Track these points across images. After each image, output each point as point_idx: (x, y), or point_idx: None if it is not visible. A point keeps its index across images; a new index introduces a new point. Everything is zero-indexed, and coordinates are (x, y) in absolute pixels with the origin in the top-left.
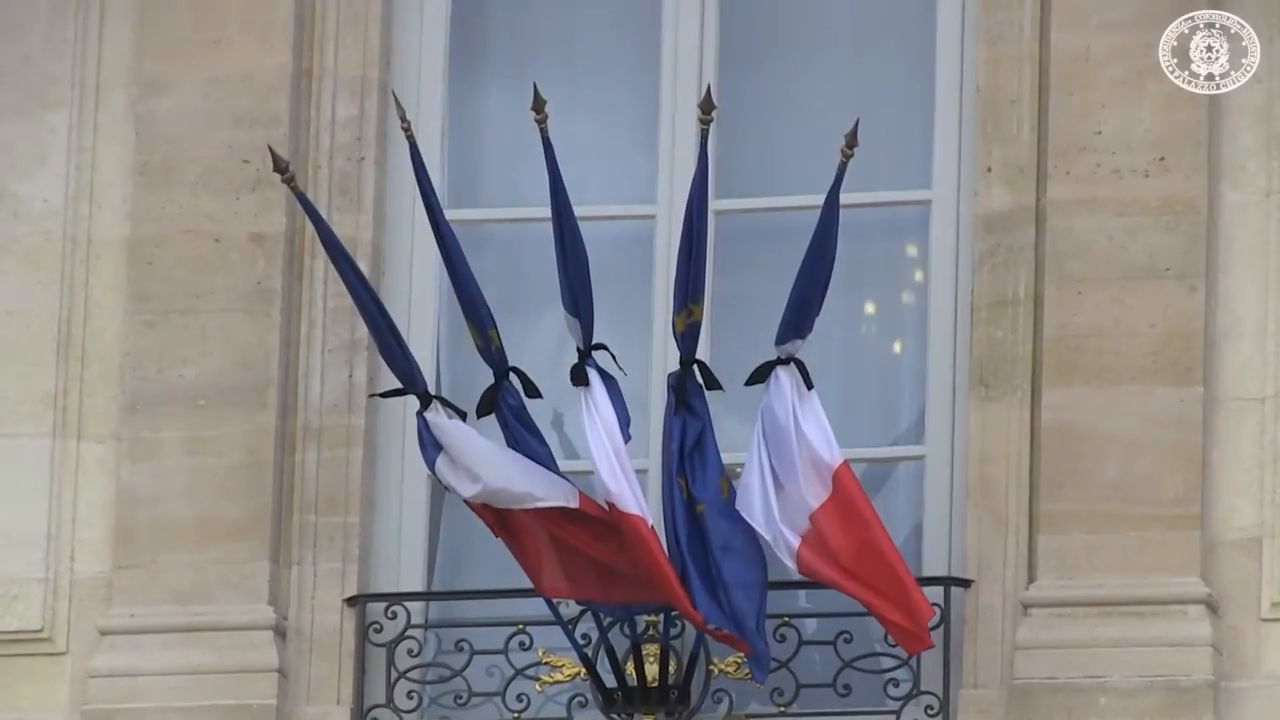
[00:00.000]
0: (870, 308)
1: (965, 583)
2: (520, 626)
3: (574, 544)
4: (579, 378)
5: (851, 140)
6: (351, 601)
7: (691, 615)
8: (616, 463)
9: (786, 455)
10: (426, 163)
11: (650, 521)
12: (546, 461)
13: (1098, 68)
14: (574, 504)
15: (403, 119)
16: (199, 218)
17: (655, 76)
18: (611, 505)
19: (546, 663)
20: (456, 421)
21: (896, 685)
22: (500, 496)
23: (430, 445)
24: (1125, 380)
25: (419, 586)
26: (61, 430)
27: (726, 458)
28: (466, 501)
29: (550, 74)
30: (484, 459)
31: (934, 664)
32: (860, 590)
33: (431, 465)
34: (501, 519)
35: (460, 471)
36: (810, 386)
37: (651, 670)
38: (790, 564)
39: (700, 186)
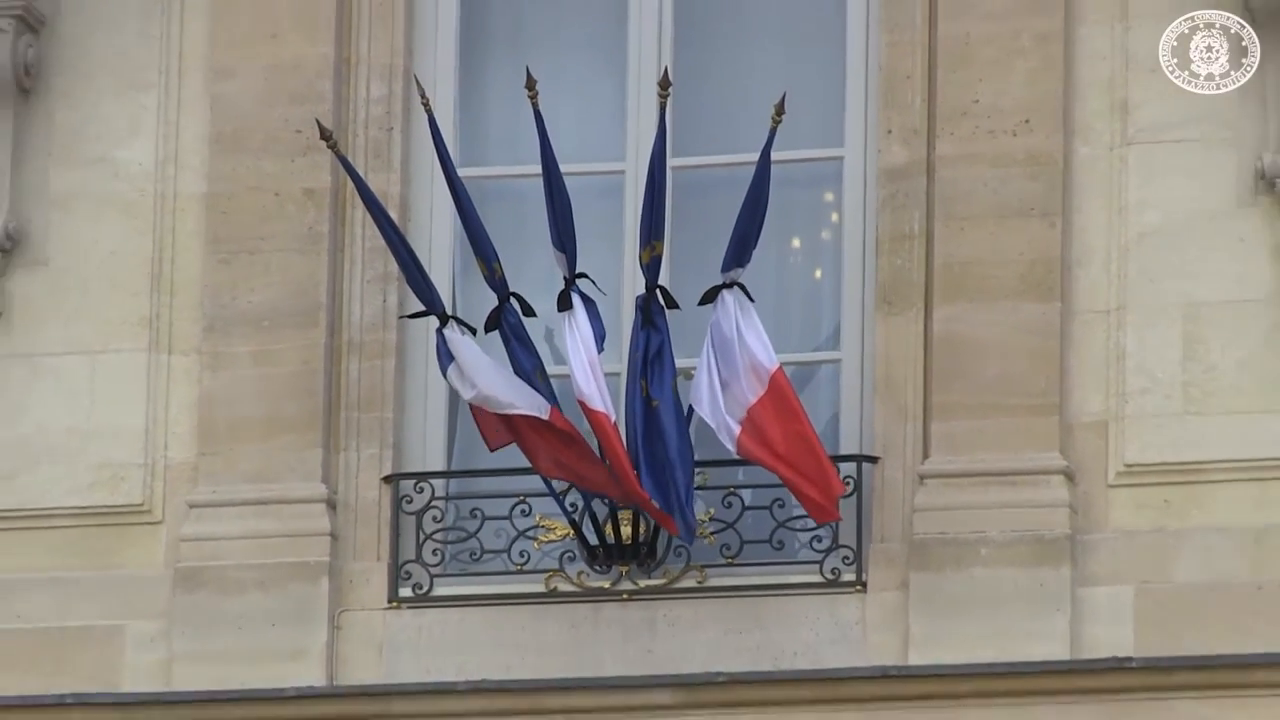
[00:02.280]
0: (796, 242)
1: (873, 459)
2: (521, 498)
3: (547, 447)
4: (564, 303)
5: (780, 109)
6: (388, 479)
7: (639, 494)
8: (590, 370)
9: (731, 360)
10: (442, 131)
11: (614, 419)
12: (533, 372)
13: (976, 50)
14: (545, 416)
15: (423, 96)
16: (262, 176)
17: (623, 60)
18: (582, 403)
19: (543, 526)
20: (466, 339)
21: (820, 541)
22: (490, 402)
23: (445, 356)
24: (999, 298)
25: (441, 467)
26: (155, 346)
27: (681, 362)
28: (470, 405)
29: (540, 59)
30: (480, 372)
31: (849, 524)
32: (785, 470)
33: (444, 372)
34: (505, 418)
35: (465, 379)
36: (751, 301)
37: (626, 531)
38: (730, 447)
39: (660, 147)
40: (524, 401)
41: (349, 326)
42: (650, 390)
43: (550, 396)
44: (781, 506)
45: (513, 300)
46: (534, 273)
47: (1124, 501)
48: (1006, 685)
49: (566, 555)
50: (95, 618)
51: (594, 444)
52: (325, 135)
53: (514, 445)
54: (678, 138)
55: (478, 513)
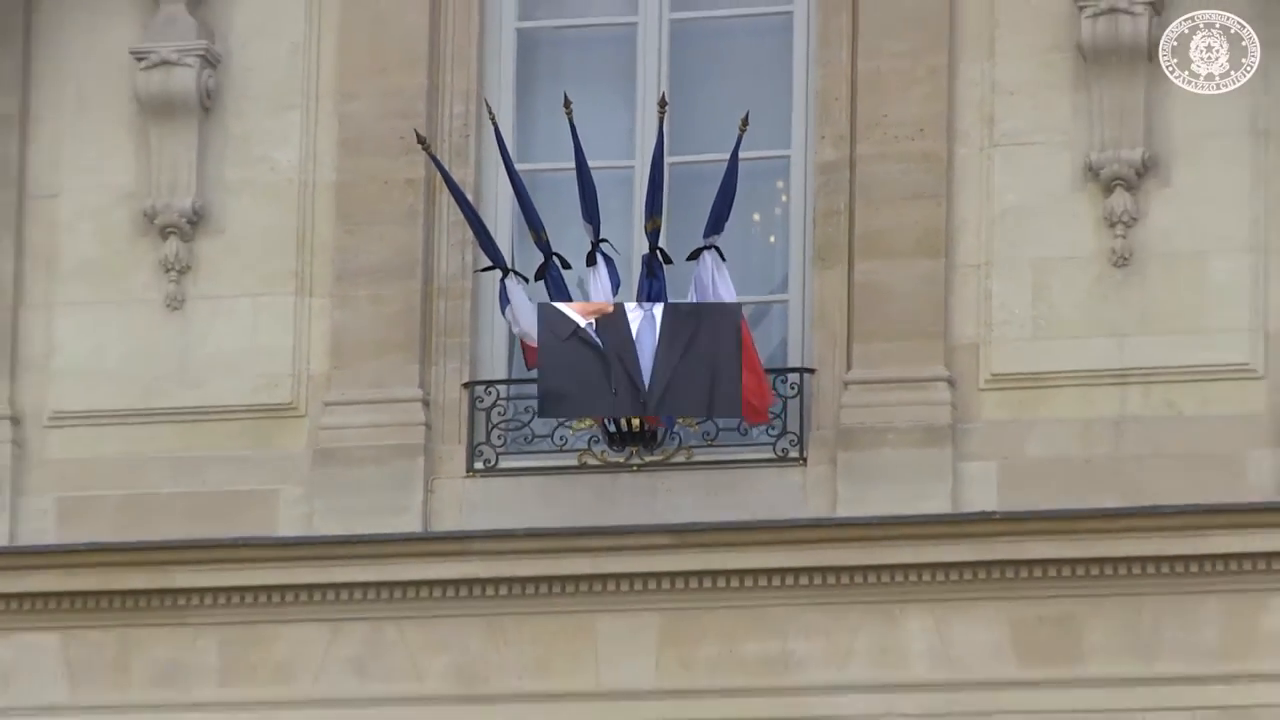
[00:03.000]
0: (756, 216)
1: (811, 371)
2: None
3: None
4: (590, 260)
5: (745, 122)
6: (466, 385)
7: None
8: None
9: (706, 301)
10: (504, 137)
11: None
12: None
13: (885, 79)
14: None
15: (490, 114)
16: (376, 170)
17: (633, 87)
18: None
19: None
20: (519, 289)
21: (774, 429)
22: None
23: (504, 300)
24: (902, 256)
25: (504, 376)
26: (300, 291)
27: (673, 302)
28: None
29: (574, 86)
30: (524, 314)
31: (795, 417)
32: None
33: (503, 312)
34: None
35: (514, 319)
36: (724, 259)
37: (635, 423)
38: None
39: (659, 149)
40: None
41: (438, 277)
42: None
43: None
44: None
45: (555, 258)
46: (570, 238)
47: (990, 401)
48: (906, 531)
49: (593, 439)
50: (258, 484)
51: None
52: (421, 141)
53: None
54: (672, 142)
55: (530, 409)
